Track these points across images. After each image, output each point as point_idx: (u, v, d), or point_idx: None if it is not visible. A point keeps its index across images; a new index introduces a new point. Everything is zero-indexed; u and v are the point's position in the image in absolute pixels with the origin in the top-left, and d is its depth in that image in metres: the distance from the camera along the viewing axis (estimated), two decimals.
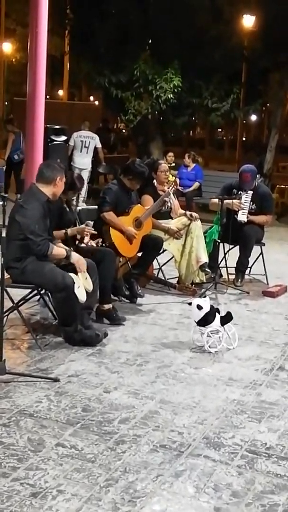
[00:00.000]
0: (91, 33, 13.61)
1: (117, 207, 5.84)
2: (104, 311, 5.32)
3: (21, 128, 14.37)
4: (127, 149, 24.22)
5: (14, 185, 12.47)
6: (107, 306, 5.33)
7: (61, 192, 4.89)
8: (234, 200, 6.83)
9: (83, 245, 5.30)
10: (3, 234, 3.95)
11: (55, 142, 10.08)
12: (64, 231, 5.11)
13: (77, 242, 5.27)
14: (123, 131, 22.28)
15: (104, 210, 5.77)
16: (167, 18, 13.05)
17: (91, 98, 33.85)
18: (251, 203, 6.96)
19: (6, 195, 3.97)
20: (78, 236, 5.26)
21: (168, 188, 6.53)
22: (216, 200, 6.81)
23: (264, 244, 7.20)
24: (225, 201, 6.71)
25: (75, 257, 4.74)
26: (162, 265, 6.81)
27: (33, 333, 4.79)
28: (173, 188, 6.70)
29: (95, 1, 13.37)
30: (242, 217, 6.88)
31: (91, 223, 5.29)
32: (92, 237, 5.65)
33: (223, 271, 7.05)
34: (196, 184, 12.16)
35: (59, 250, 4.70)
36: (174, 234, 6.42)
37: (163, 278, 6.69)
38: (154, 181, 6.69)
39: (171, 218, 6.69)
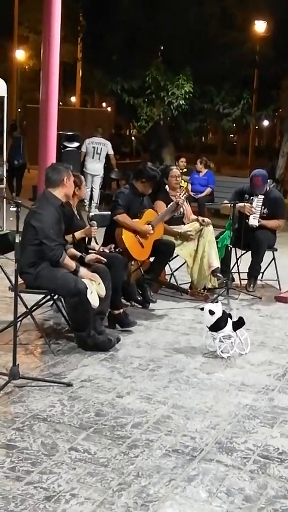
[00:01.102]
0: (103, 40, 13.70)
1: (129, 211, 5.87)
2: (115, 316, 5.34)
3: (29, 134, 14.92)
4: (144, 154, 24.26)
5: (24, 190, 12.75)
6: (117, 312, 5.35)
7: (72, 191, 4.93)
8: (246, 204, 6.85)
9: (94, 250, 5.33)
10: (17, 240, 3.98)
11: (68, 148, 10.21)
12: (71, 235, 5.14)
13: (88, 242, 5.32)
14: (133, 138, 22.26)
15: (117, 213, 5.80)
16: (178, 25, 13.11)
17: (104, 104, 33.99)
18: (263, 207, 6.96)
19: (20, 201, 4.00)
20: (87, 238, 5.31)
21: (180, 194, 6.55)
22: (228, 204, 6.83)
23: (276, 249, 7.20)
24: (237, 205, 6.72)
25: (83, 272, 4.75)
26: (174, 271, 6.82)
27: (46, 338, 4.82)
28: (185, 194, 6.71)
29: (107, 9, 13.46)
30: (253, 221, 6.89)
31: (95, 222, 5.31)
32: (104, 242, 5.70)
33: (235, 276, 7.05)
34: (208, 190, 12.18)
35: (70, 262, 4.72)
36: (186, 238, 6.43)
37: (175, 284, 6.71)
38: (166, 186, 6.72)
39: (184, 223, 6.71)
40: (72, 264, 4.74)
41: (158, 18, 13.33)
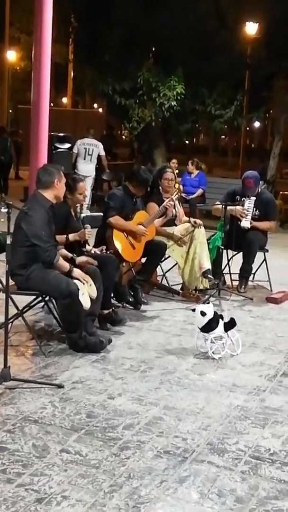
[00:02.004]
0: (95, 41, 13.71)
1: (122, 211, 5.88)
2: (104, 316, 5.34)
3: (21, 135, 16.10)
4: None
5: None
6: (106, 311, 5.35)
7: (63, 193, 4.90)
8: (238, 207, 6.85)
9: (86, 253, 5.33)
10: (8, 241, 3.97)
11: (59, 150, 10.17)
12: (65, 236, 5.13)
13: (82, 245, 5.32)
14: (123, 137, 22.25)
15: (109, 216, 5.80)
16: (171, 26, 13.13)
17: (95, 105, 33.98)
18: (255, 209, 6.97)
19: (11, 202, 3.99)
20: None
21: (173, 195, 6.55)
22: (219, 206, 6.83)
23: (267, 251, 7.22)
24: (228, 207, 6.72)
25: (77, 273, 4.76)
26: (166, 272, 6.83)
27: (37, 340, 4.81)
28: (178, 195, 6.72)
29: (99, 10, 13.46)
30: (245, 223, 6.90)
31: (89, 226, 5.31)
32: (96, 244, 5.69)
33: (227, 277, 7.06)
34: (200, 191, 12.19)
35: (63, 262, 4.72)
36: (177, 241, 6.44)
37: (167, 285, 6.71)
38: (160, 187, 6.72)
39: (175, 225, 6.71)
40: (66, 264, 4.73)
41: (153, 19, 13.35)
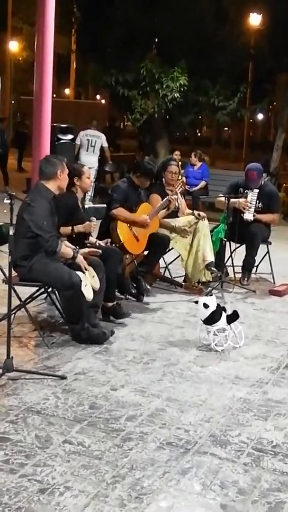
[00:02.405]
0: (99, 33, 13.65)
1: (126, 203, 5.86)
2: (108, 308, 5.33)
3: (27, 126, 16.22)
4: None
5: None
6: (110, 304, 5.34)
7: (65, 184, 4.89)
8: (240, 200, 6.83)
9: (90, 244, 5.32)
10: (11, 233, 3.96)
11: (62, 141, 10.17)
12: (70, 227, 5.12)
13: (85, 237, 5.31)
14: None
15: (112, 208, 5.79)
16: (174, 19, 13.07)
17: (98, 96, 33.87)
18: (258, 201, 6.96)
19: (14, 193, 3.98)
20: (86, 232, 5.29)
21: (176, 188, 6.53)
22: (222, 198, 6.81)
23: (270, 243, 7.20)
24: (231, 200, 6.70)
25: (80, 259, 4.76)
26: (169, 264, 6.82)
27: (40, 331, 4.81)
28: (181, 188, 6.70)
29: (102, 2, 13.40)
30: (248, 215, 6.88)
31: (94, 218, 5.30)
32: (100, 236, 5.68)
33: (230, 269, 7.05)
34: (203, 183, 12.16)
35: (66, 249, 4.72)
36: (181, 233, 6.43)
37: (169, 277, 6.71)
38: (164, 179, 6.70)
39: (178, 217, 6.69)
40: (69, 251, 4.73)
41: (155, 13, 13.29)
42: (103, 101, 29.95)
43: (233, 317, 4.93)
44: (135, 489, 2.90)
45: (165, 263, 6.77)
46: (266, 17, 15.17)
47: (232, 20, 14.29)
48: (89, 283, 4.74)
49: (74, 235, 5.12)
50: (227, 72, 13.93)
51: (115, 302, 5.38)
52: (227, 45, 13.57)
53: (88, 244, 5.29)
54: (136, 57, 13.36)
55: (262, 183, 7.12)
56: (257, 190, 6.95)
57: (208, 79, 13.96)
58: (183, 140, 25.72)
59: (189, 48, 13.23)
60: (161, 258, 6.60)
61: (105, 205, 6.17)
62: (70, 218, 5.08)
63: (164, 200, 6.34)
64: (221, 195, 7.08)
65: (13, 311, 4.62)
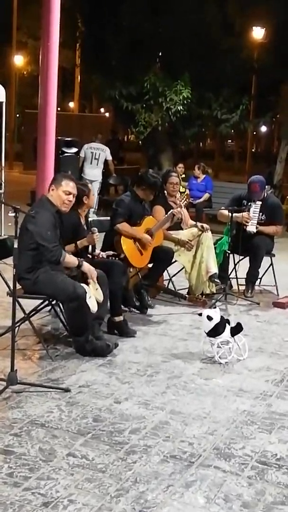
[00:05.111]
0: (103, 46, 13.76)
1: (131, 217, 5.88)
2: (115, 323, 5.33)
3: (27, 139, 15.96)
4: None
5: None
6: (118, 319, 5.34)
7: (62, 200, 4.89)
8: (243, 214, 6.85)
9: (95, 257, 5.33)
10: (15, 246, 3.98)
11: (66, 154, 10.22)
12: (74, 244, 5.14)
13: (90, 250, 5.32)
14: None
15: (117, 222, 5.81)
16: (178, 31, 13.17)
17: (102, 110, 34.06)
18: (261, 213, 6.97)
19: (18, 206, 4.00)
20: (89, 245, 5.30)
21: (180, 201, 6.57)
22: (225, 212, 6.84)
23: (274, 255, 7.21)
24: (234, 214, 6.72)
25: (87, 266, 4.78)
26: (172, 276, 6.83)
27: (44, 344, 4.82)
28: (186, 202, 6.74)
29: (107, 15, 13.52)
30: (251, 227, 6.90)
31: (96, 229, 5.32)
32: (104, 249, 5.70)
33: (233, 282, 7.05)
34: (206, 195, 12.20)
35: (71, 258, 4.74)
36: (185, 245, 6.44)
37: (173, 289, 6.71)
38: (165, 191, 6.74)
39: (182, 229, 6.72)
40: (74, 259, 4.74)
41: (160, 23, 13.37)
42: (107, 114, 30.12)
43: (237, 330, 4.92)
44: (139, 502, 2.90)
45: (169, 275, 6.78)
46: (269, 29, 15.27)
47: (236, 32, 14.40)
48: (93, 295, 4.75)
49: (78, 251, 5.14)
50: (230, 85, 14.01)
51: (122, 318, 5.37)
52: (230, 57, 13.66)
53: (92, 256, 5.31)
54: (141, 68, 13.44)
55: (265, 195, 7.14)
56: (260, 202, 6.97)
57: (212, 91, 14.04)
58: (186, 152, 25.77)
59: (192, 59, 13.31)
60: (165, 271, 6.61)
61: (108, 218, 6.19)
62: (73, 236, 5.10)
63: (168, 214, 6.36)
64: (223, 207, 7.10)
65: (18, 324, 4.62)
